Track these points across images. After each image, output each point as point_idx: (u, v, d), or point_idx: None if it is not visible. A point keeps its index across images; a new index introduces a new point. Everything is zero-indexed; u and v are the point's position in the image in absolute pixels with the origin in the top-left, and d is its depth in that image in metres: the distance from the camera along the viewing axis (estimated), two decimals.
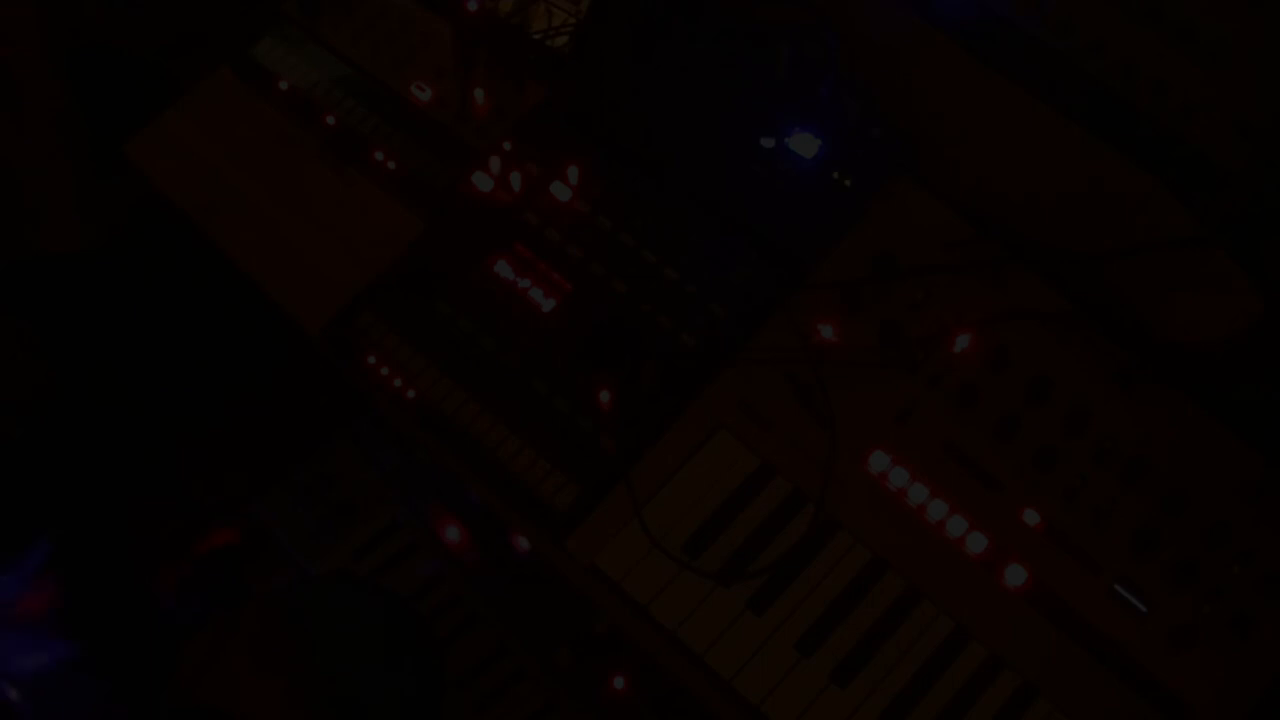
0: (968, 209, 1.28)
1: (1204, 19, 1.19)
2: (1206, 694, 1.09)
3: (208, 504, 1.84)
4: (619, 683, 1.53)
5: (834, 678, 1.12)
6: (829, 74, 1.27)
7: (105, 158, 1.58)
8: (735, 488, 1.19)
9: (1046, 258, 1.24)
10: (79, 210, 1.72)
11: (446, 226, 1.35)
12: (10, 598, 1.17)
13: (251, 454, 1.86)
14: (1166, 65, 1.22)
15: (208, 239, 1.42)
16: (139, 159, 1.49)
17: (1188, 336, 1.21)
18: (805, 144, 1.28)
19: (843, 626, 1.14)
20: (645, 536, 1.17)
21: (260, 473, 1.78)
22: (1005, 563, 1.14)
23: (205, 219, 1.43)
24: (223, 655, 1.13)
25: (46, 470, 1.76)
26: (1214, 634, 1.11)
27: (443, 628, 1.61)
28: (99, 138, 1.65)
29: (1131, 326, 1.22)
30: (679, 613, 1.15)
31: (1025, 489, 1.17)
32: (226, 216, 1.43)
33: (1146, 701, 1.09)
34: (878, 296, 1.25)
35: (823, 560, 1.16)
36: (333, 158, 1.44)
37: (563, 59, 1.41)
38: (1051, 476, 1.17)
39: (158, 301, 1.87)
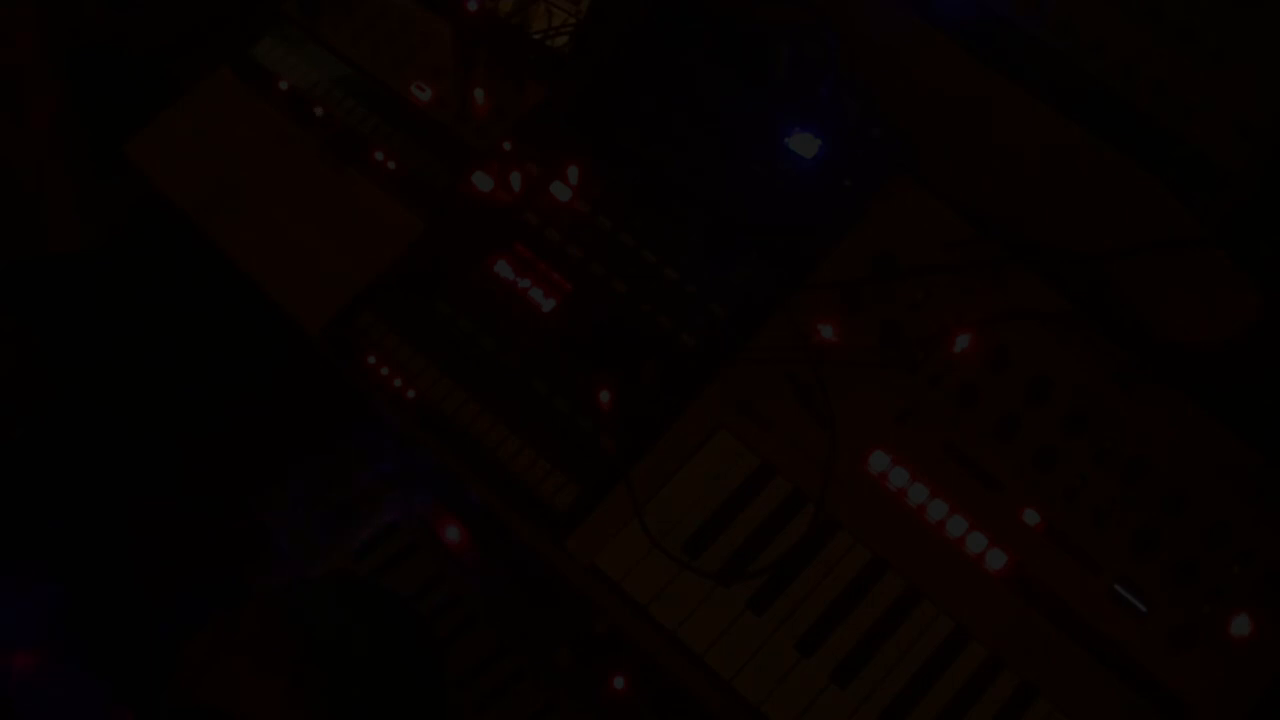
0: (968, 209, 1.28)
1: (1204, 19, 1.19)
2: (1206, 694, 1.09)
3: (208, 504, 1.84)
4: (619, 683, 1.53)
5: (834, 678, 1.12)
6: (829, 74, 1.27)
7: (105, 158, 1.57)
8: (735, 488, 1.19)
9: (1046, 258, 1.24)
10: (79, 210, 1.72)
11: (446, 226, 1.35)
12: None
13: (251, 454, 1.86)
14: (1166, 65, 1.22)
15: (208, 239, 1.42)
16: (139, 159, 1.49)
17: (1188, 336, 1.21)
18: (805, 144, 1.28)
19: (843, 626, 1.14)
20: (645, 536, 1.17)
21: (260, 473, 1.78)
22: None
23: (205, 219, 1.43)
24: (223, 655, 1.12)
25: (46, 470, 1.76)
26: (1214, 634, 1.11)
27: (443, 628, 1.61)
28: (99, 138, 1.64)
29: (1131, 326, 1.22)
30: (679, 613, 1.15)
31: (1025, 489, 1.17)
32: (226, 216, 1.42)
33: (1146, 701, 1.09)
34: (878, 296, 1.25)
35: (823, 560, 1.16)
36: (333, 158, 1.44)
37: (563, 59, 1.41)
38: (1051, 476, 1.17)
39: (158, 301, 1.87)
